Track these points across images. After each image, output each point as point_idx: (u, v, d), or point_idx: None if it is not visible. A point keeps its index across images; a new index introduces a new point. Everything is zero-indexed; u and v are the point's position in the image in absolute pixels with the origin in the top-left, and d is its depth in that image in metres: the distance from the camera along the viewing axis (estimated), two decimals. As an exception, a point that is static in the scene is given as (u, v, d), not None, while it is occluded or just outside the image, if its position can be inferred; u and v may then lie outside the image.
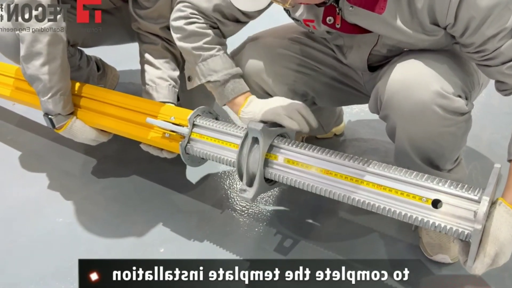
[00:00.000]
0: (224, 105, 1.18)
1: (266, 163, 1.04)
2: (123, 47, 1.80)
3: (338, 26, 1.02)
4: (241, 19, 1.16)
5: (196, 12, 1.14)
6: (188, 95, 1.44)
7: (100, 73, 1.80)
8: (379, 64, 1.14)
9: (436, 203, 0.86)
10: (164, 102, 1.33)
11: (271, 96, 1.24)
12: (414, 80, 0.94)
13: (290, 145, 1.04)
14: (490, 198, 0.83)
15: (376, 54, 1.09)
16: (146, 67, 1.41)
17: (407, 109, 0.95)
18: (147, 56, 1.41)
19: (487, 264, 0.84)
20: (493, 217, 0.83)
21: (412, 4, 0.90)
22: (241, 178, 1.06)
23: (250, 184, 1.05)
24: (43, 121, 1.77)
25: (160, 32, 1.41)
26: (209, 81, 1.16)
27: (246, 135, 1.05)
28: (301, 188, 1.02)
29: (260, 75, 1.19)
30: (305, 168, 1.01)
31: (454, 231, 0.84)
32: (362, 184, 0.94)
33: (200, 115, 1.19)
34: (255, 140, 1.03)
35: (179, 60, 1.46)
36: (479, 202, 0.83)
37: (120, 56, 1.99)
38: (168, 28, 1.43)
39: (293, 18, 1.12)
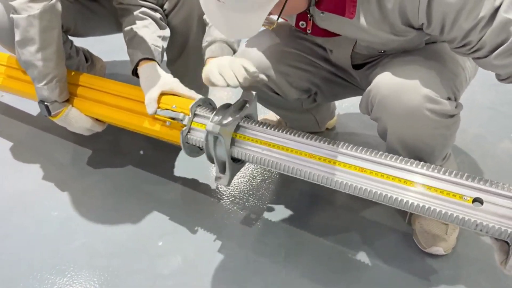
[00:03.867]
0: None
1: (233, 142, 1.09)
2: (109, 39, 1.77)
3: (309, 32, 1.05)
4: None
5: None
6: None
7: (89, 64, 1.76)
8: (364, 62, 1.16)
9: (477, 202, 0.86)
10: (148, 59, 1.28)
11: (276, 93, 1.26)
12: (404, 85, 0.96)
13: (256, 125, 1.09)
14: None
15: (358, 53, 1.12)
16: (130, 31, 1.35)
17: (398, 113, 0.98)
18: (130, 26, 1.36)
19: None
20: None
21: (383, 5, 0.91)
22: (212, 162, 1.14)
23: (222, 170, 1.13)
24: (31, 111, 1.75)
25: (140, 1, 1.38)
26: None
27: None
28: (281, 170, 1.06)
29: (266, 72, 1.19)
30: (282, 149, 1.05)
31: (496, 229, 0.84)
32: (386, 178, 0.94)
33: (201, 105, 1.20)
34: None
35: (160, 24, 1.41)
36: None
37: (106, 47, 1.95)
38: None
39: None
